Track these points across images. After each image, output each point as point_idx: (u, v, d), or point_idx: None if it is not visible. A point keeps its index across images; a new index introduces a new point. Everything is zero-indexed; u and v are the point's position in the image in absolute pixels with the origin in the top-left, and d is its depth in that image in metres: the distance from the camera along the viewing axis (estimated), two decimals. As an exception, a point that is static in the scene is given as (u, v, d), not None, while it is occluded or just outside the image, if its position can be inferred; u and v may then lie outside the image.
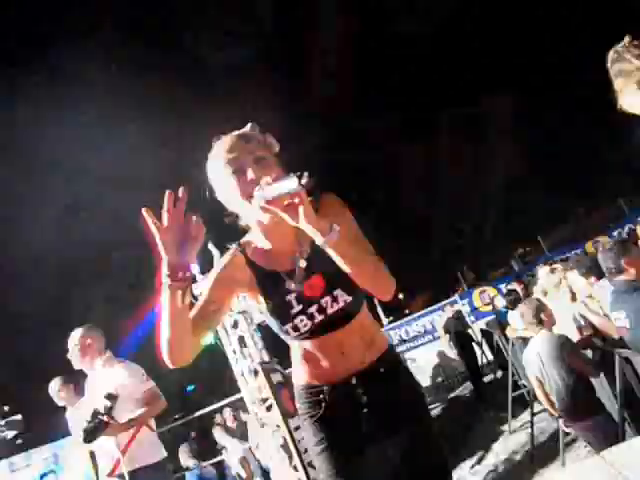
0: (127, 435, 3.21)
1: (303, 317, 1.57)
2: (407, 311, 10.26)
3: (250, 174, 1.47)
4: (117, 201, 12.86)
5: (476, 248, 12.73)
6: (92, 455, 3.32)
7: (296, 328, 1.58)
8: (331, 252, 1.40)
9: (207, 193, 1.59)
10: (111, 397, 3.06)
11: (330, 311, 1.58)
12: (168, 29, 14.23)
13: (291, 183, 1.26)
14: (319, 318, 1.58)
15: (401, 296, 12.13)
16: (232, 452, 5.88)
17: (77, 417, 3.53)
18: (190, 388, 10.70)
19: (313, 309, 1.57)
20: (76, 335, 3.39)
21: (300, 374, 1.71)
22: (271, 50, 14.07)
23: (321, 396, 1.66)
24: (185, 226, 1.37)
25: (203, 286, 5.40)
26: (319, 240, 1.37)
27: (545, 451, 4.05)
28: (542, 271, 4.51)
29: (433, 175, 14.24)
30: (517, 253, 8.31)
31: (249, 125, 1.67)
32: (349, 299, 1.59)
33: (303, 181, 1.24)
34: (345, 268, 1.44)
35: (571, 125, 12.12)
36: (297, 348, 1.67)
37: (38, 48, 11.36)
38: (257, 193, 1.36)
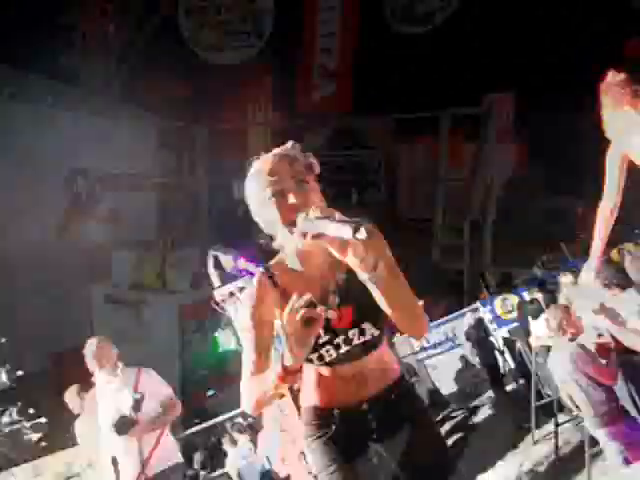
0: (152, 439, 3.30)
1: (329, 347, 1.57)
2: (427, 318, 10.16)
3: (292, 199, 1.43)
4: (117, 201, 12.80)
5: (496, 252, 12.67)
6: (114, 461, 3.35)
7: (321, 357, 1.58)
8: (373, 288, 1.35)
9: (240, 211, 1.58)
10: (137, 394, 3.14)
11: (356, 342, 1.58)
12: (168, 28, 14.15)
13: (345, 232, 1.19)
14: (344, 349, 1.57)
15: (421, 302, 12.07)
16: (230, 463, 5.84)
17: (91, 423, 3.59)
18: (210, 393, 10.40)
19: (340, 339, 1.57)
20: (92, 343, 3.49)
21: (311, 397, 1.70)
22: (271, 50, 14.04)
23: (331, 419, 1.65)
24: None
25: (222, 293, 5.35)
26: (364, 275, 1.32)
27: (570, 463, 4.04)
28: (565, 279, 4.50)
29: (433, 175, 14.24)
30: (540, 260, 8.17)
31: (290, 144, 1.63)
32: (376, 333, 1.59)
33: (359, 235, 1.16)
34: (384, 305, 1.41)
35: (571, 124, 12.13)
36: (312, 371, 1.65)
37: (35, 47, 11.24)
38: (304, 225, 1.30)
